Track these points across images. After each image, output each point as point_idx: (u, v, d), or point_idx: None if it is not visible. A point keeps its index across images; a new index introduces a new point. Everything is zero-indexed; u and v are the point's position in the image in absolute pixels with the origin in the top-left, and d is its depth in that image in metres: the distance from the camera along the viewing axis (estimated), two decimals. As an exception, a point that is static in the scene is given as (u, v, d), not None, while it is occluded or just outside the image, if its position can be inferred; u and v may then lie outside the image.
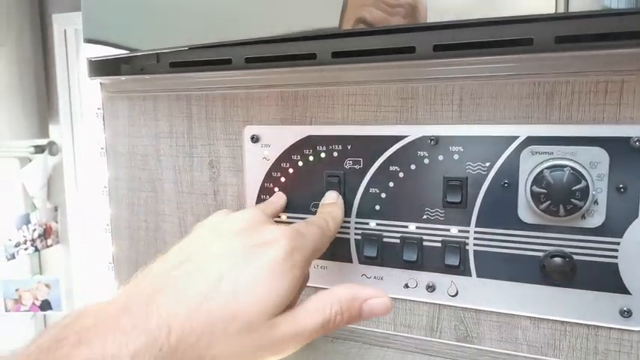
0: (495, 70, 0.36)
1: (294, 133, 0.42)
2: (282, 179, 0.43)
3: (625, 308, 0.34)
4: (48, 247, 1.60)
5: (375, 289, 0.30)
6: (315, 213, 0.42)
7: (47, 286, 1.58)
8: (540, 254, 0.35)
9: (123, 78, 0.50)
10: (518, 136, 0.35)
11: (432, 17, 0.36)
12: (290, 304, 0.29)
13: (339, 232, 0.42)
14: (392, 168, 0.39)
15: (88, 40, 0.47)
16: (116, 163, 0.51)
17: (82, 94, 1.53)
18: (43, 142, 1.55)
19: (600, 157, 0.33)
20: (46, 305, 1.58)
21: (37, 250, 1.58)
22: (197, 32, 0.45)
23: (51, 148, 1.54)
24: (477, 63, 0.36)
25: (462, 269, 0.38)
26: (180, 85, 0.47)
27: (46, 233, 1.57)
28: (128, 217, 0.51)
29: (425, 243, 0.39)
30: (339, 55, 0.41)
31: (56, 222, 1.60)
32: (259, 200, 0.44)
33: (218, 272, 0.27)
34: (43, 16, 1.52)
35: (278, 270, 0.28)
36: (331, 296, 0.29)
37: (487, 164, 0.36)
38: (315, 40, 0.42)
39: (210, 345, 0.25)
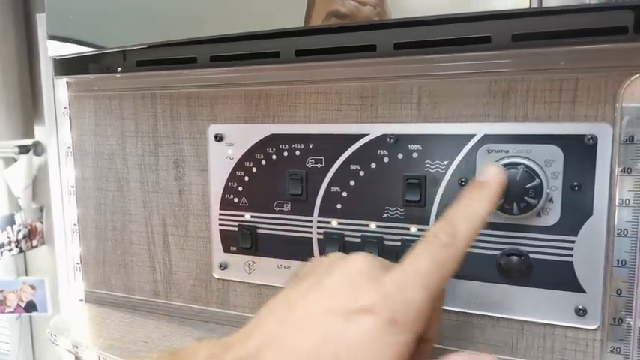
0: (453, 68, 0.36)
1: (258, 132, 0.42)
2: (246, 178, 0.43)
3: (580, 307, 0.34)
4: (33, 247, 1.58)
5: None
6: (278, 212, 0.42)
7: (32, 287, 1.56)
8: (497, 252, 0.35)
9: (90, 77, 0.49)
10: (475, 135, 0.35)
11: (397, 14, 0.36)
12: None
13: (302, 232, 0.41)
14: (353, 167, 0.39)
15: (53, 37, 0.47)
16: (83, 162, 0.51)
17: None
18: (28, 142, 1.54)
19: (555, 155, 0.33)
20: (31, 307, 1.57)
21: (22, 251, 1.57)
22: (163, 30, 0.45)
23: (36, 149, 1.53)
24: (436, 61, 0.36)
25: (421, 268, 0.38)
26: (145, 84, 0.47)
27: (32, 234, 1.55)
28: (95, 216, 0.51)
29: (385, 242, 0.39)
30: (302, 54, 0.41)
31: (41, 223, 1.58)
32: (223, 200, 0.44)
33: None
34: (27, 16, 1.51)
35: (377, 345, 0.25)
36: None
37: (445, 163, 0.36)
38: (278, 39, 0.42)
39: None
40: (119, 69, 0.49)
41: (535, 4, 0.35)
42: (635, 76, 0.31)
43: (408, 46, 0.38)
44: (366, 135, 0.38)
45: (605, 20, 0.33)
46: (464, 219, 0.28)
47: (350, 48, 0.39)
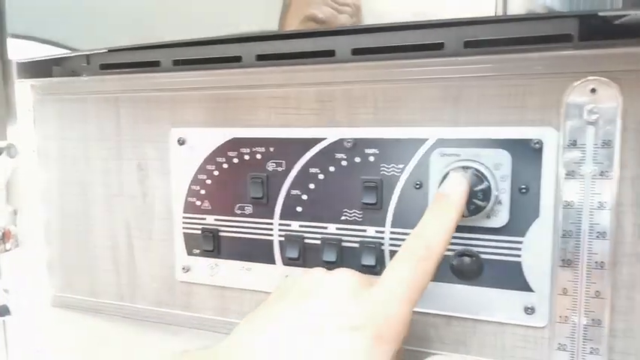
0: (409, 73, 0.37)
1: (219, 136, 0.43)
2: (209, 181, 0.43)
3: (529, 305, 0.35)
4: (7, 251, 1.56)
5: None
6: (240, 215, 0.42)
7: (6, 291, 1.54)
8: (450, 253, 0.36)
9: (54, 80, 0.49)
10: (428, 139, 0.36)
11: (371, 20, 0.37)
12: None
13: (264, 235, 0.42)
14: (312, 170, 0.40)
15: (14, 36, 0.47)
16: (47, 165, 0.51)
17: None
18: (1, 144, 1.52)
19: (504, 158, 0.34)
20: (4, 310, 1.54)
21: (-5, 254, 1.54)
22: (126, 34, 0.45)
23: (9, 151, 1.50)
24: (392, 67, 0.37)
25: (378, 269, 0.38)
26: (109, 88, 0.47)
27: (5, 237, 1.53)
28: (60, 220, 0.51)
29: (344, 244, 0.39)
30: (263, 58, 0.42)
31: (15, 225, 1.56)
32: (187, 203, 0.44)
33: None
34: (0, 15, 1.48)
35: None
36: None
37: (401, 166, 0.37)
38: (240, 43, 0.42)
39: None
40: (83, 72, 0.49)
41: (500, 12, 0.36)
42: (578, 82, 0.32)
43: (366, 52, 0.38)
44: (325, 139, 0.39)
45: (552, 28, 0.34)
46: (435, 232, 0.30)
47: (309, 53, 0.40)
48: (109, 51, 0.47)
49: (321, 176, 0.39)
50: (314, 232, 0.40)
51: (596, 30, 0.32)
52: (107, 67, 0.47)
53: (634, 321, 0.33)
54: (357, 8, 0.39)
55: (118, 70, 0.47)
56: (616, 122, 0.31)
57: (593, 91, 0.32)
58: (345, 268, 0.32)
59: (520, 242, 0.35)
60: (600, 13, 0.29)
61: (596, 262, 0.33)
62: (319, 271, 0.33)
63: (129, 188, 0.47)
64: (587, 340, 0.34)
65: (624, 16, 0.28)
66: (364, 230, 0.39)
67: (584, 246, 0.33)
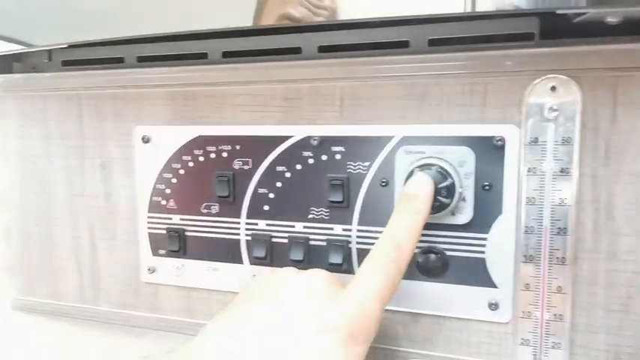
0: (374, 71, 0.37)
1: (185, 134, 0.42)
2: (174, 180, 0.43)
3: (493, 301, 0.35)
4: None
5: None
6: (206, 215, 0.42)
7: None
8: (416, 251, 0.36)
9: (14, 76, 0.48)
10: (393, 136, 0.36)
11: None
12: None
13: (231, 234, 0.41)
14: (279, 168, 0.39)
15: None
16: (7, 164, 0.49)
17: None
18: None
19: (467, 156, 0.34)
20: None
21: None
22: (89, 29, 0.44)
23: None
24: (358, 64, 0.37)
25: (345, 267, 0.38)
26: (71, 84, 0.45)
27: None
28: (20, 220, 0.49)
29: (311, 242, 0.39)
30: (229, 55, 0.41)
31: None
32: (152, 202, 0.43)
33: None
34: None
35: None
36: None
37: (367, 164, 0.37)
38: (207, 40, 0.41)
39: None
40: (45, 69, 0.47)
41: (469, 9, 0.36)
42: (538, 80, 0.33)
43: (332, 50, 0.38)
44: (291, 137, 0.39)
45: (514, 27, 0.34)
46: (404, 232, 0.31)
47: (276, 50, 0.40)
48: (71, 47, 0.46)
49: (287, 174, 0.39)
50: (281, 230, 0.40)
51: (557, 29, 0.33)
52: (69, 64, 0.46)
53: (595, 316, 0.34)
54: (333, 12, 0.39)
55: (80, 67, 0.45)
56: (575, 120, 0.32)
57: (553, 89, 0.32)
58: (316, 269, 0.32)
59: (484, 239, 0.35)
60: (558, 11, 0.30)
61: (557, 258, 0.33)
62: (289, 271, 0.33)
63: (92, 188, 0.46)
64: (549, 334, 0.34)
65: (583, 14, 0.29)
66: (331, 228, 0.38)
67: (546, 242, 0.34)
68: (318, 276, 0.31)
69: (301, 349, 0.27)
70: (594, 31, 0.31)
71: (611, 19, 0.29)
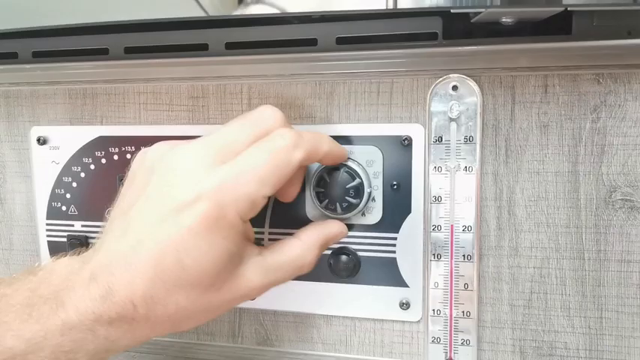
0: (282, 69, 0.36)
1: (84, 134, 0.39)
2: (74, 184, 0.40)
3: (404, 301, 0.35)
4: None
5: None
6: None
7: None
8: (327, 252, 0.36)
9: None
10: (299, 136, 0.35)
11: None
12: None
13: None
14: (186, 170, 0.37)
15: None
16: None
17: None
18: None
19: (375, 155, 0.34)
20: None
21: None
22: (-23, 21, 0.40)
23: None
24: (266, 62, 0.36)
25: (256, 272, 0.37)
26: (-43, 81, 0.41)
27: None
28: None
29: (221, 247, 0.38)
30: (132, 51, 0.39)
31: None
32: (50, 208, 0.40)
33: None
34: None
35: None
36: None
37: (276, 164, 0.36)
38: (107, 34, 0.39)
39: None
40: None
41: (391, 7, 0.35)
42: (440, 79, 0.33)
43: (240, 46, 0.37)
44: (199, 137, 0.37)
45: (419, 26, 0.34)
46: (313, 136, 0.29)
47: (182, 46, 0.38)
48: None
49: (196, 176, 0.37)
50: (190, 235, 0.38)
51: (458, 29, 0.33)
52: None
53: (500, 311, 0.34)
54: None
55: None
56: (476, 119, 0.32)
57: (455, 88, 0.32)
58: (194, 141, 0.30)
59: (394, 238, 0.35)
60: (453, 11, 0.30)
61: (464, 256, 0.34)
62: (162, 147, 0.30)
63: (-16, 194, 0.42)
64: (458, 332, 0.35)
65: (478, 13, 0.29)
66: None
67: (453, 240, 0.34)
68: (188, 153, 0.29)
69: (174, 236, 0.25)
70: (492, 31, 0.31)
71: (505, 20, 0.29)
